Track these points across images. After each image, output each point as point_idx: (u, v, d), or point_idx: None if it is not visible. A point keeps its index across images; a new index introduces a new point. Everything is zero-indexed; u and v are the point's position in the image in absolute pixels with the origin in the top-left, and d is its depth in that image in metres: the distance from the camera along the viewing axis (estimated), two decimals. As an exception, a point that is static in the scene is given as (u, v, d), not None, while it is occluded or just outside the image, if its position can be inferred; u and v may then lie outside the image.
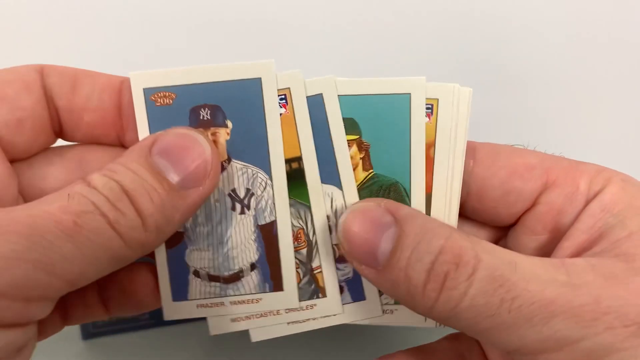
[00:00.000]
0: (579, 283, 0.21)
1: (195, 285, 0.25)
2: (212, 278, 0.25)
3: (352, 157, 0.25)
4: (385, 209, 0.23)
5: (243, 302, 0.26)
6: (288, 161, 0.25)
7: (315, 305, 0.26)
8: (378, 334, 0.44)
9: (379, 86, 0.24)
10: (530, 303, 0.21)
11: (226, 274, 0.25)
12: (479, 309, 0.21)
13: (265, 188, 0.25)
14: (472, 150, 0.26)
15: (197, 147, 0.23)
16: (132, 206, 0.21)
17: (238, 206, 0.25)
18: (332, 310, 0.26)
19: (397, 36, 0.52)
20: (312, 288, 0.26)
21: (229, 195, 0.25)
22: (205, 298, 0.25)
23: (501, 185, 0.25)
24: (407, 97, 0.24)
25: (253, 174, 0.25)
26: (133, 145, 0.24)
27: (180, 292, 0.25)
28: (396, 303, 0.26)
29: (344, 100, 0.24)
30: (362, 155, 0.25)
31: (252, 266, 0.25)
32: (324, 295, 0.26)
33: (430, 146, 0.25)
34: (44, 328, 0.25)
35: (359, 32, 0.52)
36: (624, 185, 0.24)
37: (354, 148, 0.24)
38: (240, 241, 0.25)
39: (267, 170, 0.25)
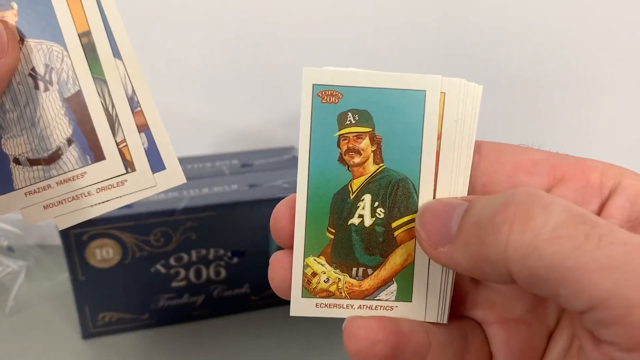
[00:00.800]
0: None
1: (19, 174, 0.25)
2: (33, 162, 0.25)
3: (364, 150, 0.24)
4: (460, 197, 0.23)
5: (69, 179, 0.25)
6: (78, 36, 0.25)
7: (126, 180, 0.25)
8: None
9: (395, 81, 0.24)
10: (623, 243, 0.17)
11: (45, 154, 0.25)
12: (562, 241, 0.18)
13: (63, 59, 0.25)
14: (477, 146, 0.25)
15: None
16: None
17: (41, 84, 0.25)
18: (144, 183, 0.25)
19: (403, 35, 0.53)
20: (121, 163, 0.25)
21: (30, 75, 0.25)
22: (31, 184, 0.25)
23: (507, 179, 0.24)
24: (422, 93, 0.24)
25: (48, 49, 0.25)
26: None
27: (5, 184, 0.25)
28: (397, 299, 0.25)
29: (359, 92, 0.24)
30: (373, 148, 0.24)
31: (69, 141, 0.25)
32: (134, 169, 0.25)
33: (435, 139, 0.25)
34: None
35: (367, 30, 0.52)
36: (639, 178, 0.23)
37: (367, 140, 0.24)
38: (52, 118, 0.25)
39: (61, 41, 0.25)
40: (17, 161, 0.25)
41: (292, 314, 0.25)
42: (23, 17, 0.25)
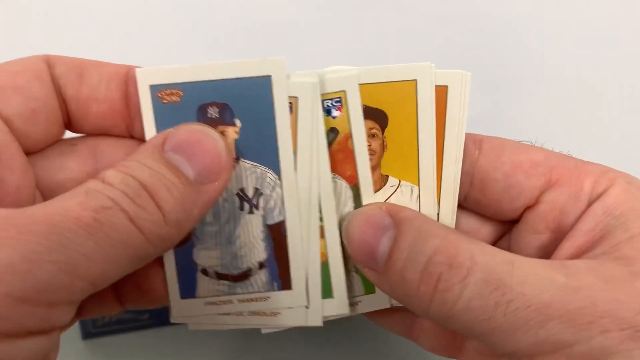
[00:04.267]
0: (576, 285, 0.21)
1: (204, 283, 0.25)
2: (221, 276, 0.25)
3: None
4: (386, 211, 0.24)
5: (251, 300, 0.25)
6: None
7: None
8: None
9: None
10: (525, 306, 0.20)
11: (235, 272, 0.25)
12: (474, 311, 0.21)
13: (274, 188, 0.25)
14: (478, 141, 0.26)
15: (210, 141, 0.23)
16: (152, 200, 0.21)
17: (246, 205, 0.25)
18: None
19: (400, 32, 0.51)
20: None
21: (238, 194, 0.25)
22: (213, 296, 0.25)
23: (504, 178, 0.25)
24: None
25: (262, 174, 0.24)
26: (142, 137, 0.24)
27: (188, 290, 0.25)
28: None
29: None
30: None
31: (261, 265, 0.25)
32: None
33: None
34: None
35: (366, 28, 0.51)
36: (628, 187, 0.24)
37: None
38: (249, 240, 0.25)
39: (277, 169, 0.24)
40: (204, 272, 0.25)
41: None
42: (244, 136, 0.24)
